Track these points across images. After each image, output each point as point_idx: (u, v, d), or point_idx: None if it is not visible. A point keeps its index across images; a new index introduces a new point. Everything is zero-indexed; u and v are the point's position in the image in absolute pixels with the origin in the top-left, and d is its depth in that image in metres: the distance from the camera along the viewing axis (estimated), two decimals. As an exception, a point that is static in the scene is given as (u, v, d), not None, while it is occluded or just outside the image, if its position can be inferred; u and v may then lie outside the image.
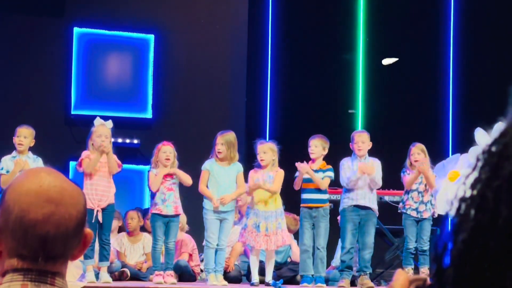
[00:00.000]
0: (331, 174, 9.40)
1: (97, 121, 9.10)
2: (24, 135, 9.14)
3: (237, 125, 12.51)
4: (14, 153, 9.16)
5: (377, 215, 9.62)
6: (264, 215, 9.00)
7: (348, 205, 9.50)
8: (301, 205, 9.41)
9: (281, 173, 9.18)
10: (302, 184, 9.38)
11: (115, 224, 10.41)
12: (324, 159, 9.48)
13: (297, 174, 9.38)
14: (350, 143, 9.66)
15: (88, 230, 1.97)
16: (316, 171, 9.38)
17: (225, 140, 9.13)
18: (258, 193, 9.10)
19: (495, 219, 0.93)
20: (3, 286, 1.86)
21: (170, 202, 9.05)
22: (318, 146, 9.40)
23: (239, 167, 9.24)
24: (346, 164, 9.56)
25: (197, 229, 10.29)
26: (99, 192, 8.83)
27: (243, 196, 10.20)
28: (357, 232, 9.50)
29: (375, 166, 9.58)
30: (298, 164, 9.28)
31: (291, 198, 9.82)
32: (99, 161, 8.94)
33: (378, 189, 9.87)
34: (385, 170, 9.85)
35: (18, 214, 1.86)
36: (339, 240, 9.92)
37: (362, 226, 9.49)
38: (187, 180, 9.14)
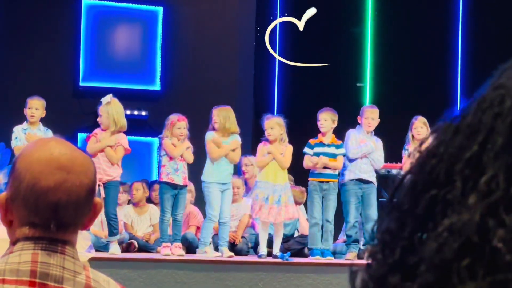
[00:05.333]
0: (344, 151, 9.40)
1: (104, 99, 9.12)
2: (36, 107, 9.17)
3: (245, 98, 12.51)
4: (25, 125, 9.18)
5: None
6: (273, 188, 9.02)
7: (349, 179, 9.50)
8: (310, 178, 9.40)
9: (290, 148, 9.18)
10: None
11: (125, 197, 10.44)
12: (333, 132, 9.48)
13: (305, 150, 9.38)
14: (359, 116, 9.64)
15: (97, 199, 1.99)
16: (328, 145, 9.37)
17: (221, 113, 9.18)
18: (269, 166, 9.11)
19: None
20: (14, 254, 1.88)
21: (180, 172, 9.09)
22: (327, 120, 9.38)
23: (237, 138, 9.24)
24: (352, 136, 9.55)
25: (202, 202, 10.34)
26: (101, 170, 8.78)
27: (250, 168, 10.22)
28: (360, 206, 9.52)
29: (378, 146, 9.61)
30: (314, 162, 9.27)
31: (297, 172, 9.83)
32: (101, 141, 8.95)
33: (386, 162, 9.91)
34: (392, 144, 9.85)
35: (29, 182, 1.88)
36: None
37: (365, 200, 9.51)
38: (191, 159, 9.19)
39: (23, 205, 1.89)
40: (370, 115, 9.59)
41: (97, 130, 9.05)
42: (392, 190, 0.97)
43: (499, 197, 0.84)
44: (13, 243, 1.92)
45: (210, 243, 9.11)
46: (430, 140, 0.96)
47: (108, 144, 8.89)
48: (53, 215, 1.88)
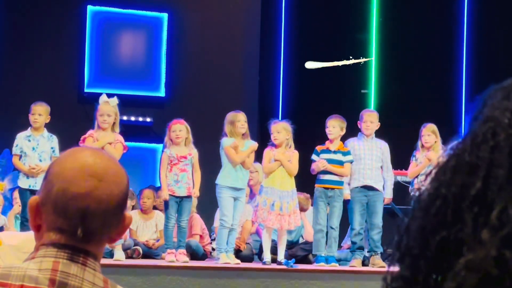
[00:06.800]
0: (351, 158, 9.39)
1: (101, 99, 9.08)
2: (39, 112, 9.16)
3: (250, 104, 12.51)
4: (29, 131, 9.18)
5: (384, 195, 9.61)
6: (280, 195, 9.00)
7: (354, 186, 9.50)
8: (317, 185, 9.39)
9: (296, 154, 9.17)
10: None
11: (128, 203, 10.41)
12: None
13: (312, 157, 9.38)
14: (358, 121, 9.66)
15: (128, 214, 1.99)
16: (335, 152, 9.37)
17: (246, 118, 9.21)
18: (276, 172, 9.09)
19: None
20: (35, 260, 1.88)
21: (183, 184, 9.03)
22: (336, 127, 9.38)
23: (252, 143, 9.23)
24: (349, 145, 9.54)
25: (209, 208, 10.33)
26: None
27: (255, 175, 10.20)
28: (365, 213, 9.50)
29: (383, 150, 9.60)
30: (316, 165, 9.28)
31: (302, 178, 9.82)
32: (99, 140, 8.90)
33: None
34: (397, 150, 9.84)
35: (61, 186, 1.89)
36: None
37: (370, 207, 9.49)
38: (198, 176, 9.17)
39: (52, 209, 1.89)
40: (368, 118, 9.60)
41: (92, 131, 9.01)
42: (398, 237, 0.97)
43: None
44: (37, 248, 1.92)
45: (226, 249, 9.05)
46: (427, 183, 0.95)
47: (108, 141, 8.87)
48: (80, 221, 1.88)
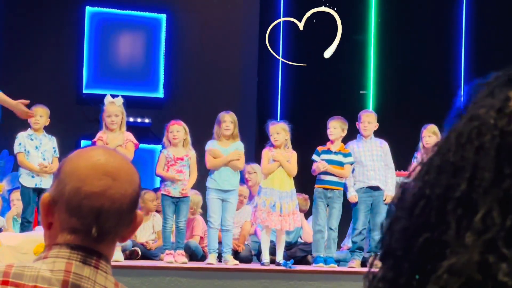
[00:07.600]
0: (352, 159, 9.38)
1: (107, 99, 9.09)
2: (40, 114, 9.18)
3: (249, 105, 12.51)
4: (30, 131, 9.20)
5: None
6: (279, 195, 9.00)
7: (359, 187, 9.49)
8: (316, 185, 9.38)
9: (295, 155, 9.17)
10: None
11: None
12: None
13: (313, 157, 9.37)
14: (357, 122, 9.66)
15: (139, 212, 1.98)
16: (335, 153, 9.36)
17: (234, 119, 9.16)
18: (275, 173, 9.09)
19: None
20: (48, 261, 1.86)
21: (178, 184, 9.04)
22: (337, 128, 9.37)
23: (239, 147, 9.20)
24: (349, 148, 9.55)
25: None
26: None
27: (253, 176, 10.19)
28: (369, 214, 9.50)
29: (384, 149, 9.59)
30: (316, 165, 9.27)
31: (300, 179, 9.82)
32: (109, 143, 8.90)
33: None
34: (396, 151, 9.83)
35: (74, 185, 1.87)
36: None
37: (374, 207, 9.49)
38: (194, 175, 9.16)
39: (65, 209, 1.88)
40: (366, 119, 9.60)
41: (100, 134, 9.01)
42: (381, 237, 0.95)
43: (496, 232, 0.84)
44: (49, 247, 1.90)
45: (217, 250, 9.05)
46: (410, 182, 0.93)
47: (118, 144, 8.87)
48: (94, 220, 1.87)
